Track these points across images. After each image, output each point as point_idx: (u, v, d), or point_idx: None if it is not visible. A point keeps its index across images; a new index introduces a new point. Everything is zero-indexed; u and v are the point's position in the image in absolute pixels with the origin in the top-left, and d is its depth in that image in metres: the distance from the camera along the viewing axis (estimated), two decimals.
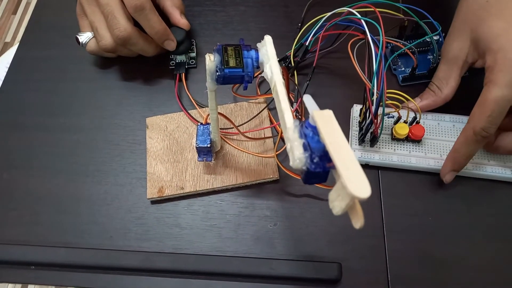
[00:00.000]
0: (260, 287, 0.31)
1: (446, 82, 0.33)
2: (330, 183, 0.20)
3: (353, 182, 0.18)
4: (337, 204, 0.19)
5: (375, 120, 0.30)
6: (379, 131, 0.31)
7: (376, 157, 0.33)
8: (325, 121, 0.20)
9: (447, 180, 0.32)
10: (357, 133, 0.34)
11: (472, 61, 0.32)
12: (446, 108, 0.35)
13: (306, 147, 0.21)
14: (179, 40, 0.38)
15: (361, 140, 0.33)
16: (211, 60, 0.26)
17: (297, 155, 0.20)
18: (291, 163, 0.21)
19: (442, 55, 0.34)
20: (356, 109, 0.35)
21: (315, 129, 0.20)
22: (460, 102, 0.36)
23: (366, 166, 0.34)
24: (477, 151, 0.31)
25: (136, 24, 0.36)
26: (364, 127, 0.32)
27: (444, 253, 0.31)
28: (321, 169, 0.20)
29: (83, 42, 0.38)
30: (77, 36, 0.38)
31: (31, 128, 0.38)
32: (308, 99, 0.22)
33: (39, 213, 0.34)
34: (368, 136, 0.33)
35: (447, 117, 0.35)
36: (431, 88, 0.34)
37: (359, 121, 0.34)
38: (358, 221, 0.18)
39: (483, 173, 0.32)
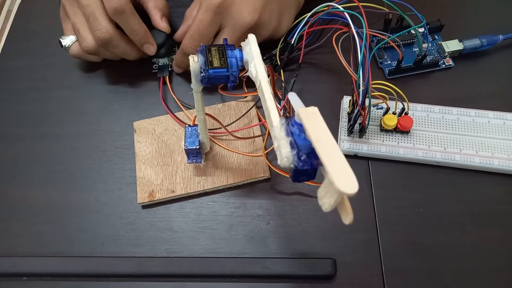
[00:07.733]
0: (256, 287, 0.30)
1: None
2: (319, 180, 0.20)
3: (340, 178, 0.17)
4: (326, 201, 0.19)
5: (363, 112, 0.30)
6: (366, 121, 0.31)
7: (364, 148, 0.33)
8: (310, 118, 0.20)
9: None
10: (347, 124, 0.34)
11: None
12: (435, 100, 0.35)
13: (293, 145, 0.20)
14: (159, 43, 0.38)
15: (350, 131, 0.34)
16: (194, 61, 0.25)
17: (284, 154, 0.20)
18: (279, 162, 0.21)
19: None
20: (346, 100, 0.35)
21: (301, 127, 0.20)
22: (449, 94, 0.36)
23: (355, 157, 0.34)
24: None
25: (118, 26, 0.36)
26: (352, 118, 0.32)
27: (436, 243, 0.31)
28: (309, 166, 0.20)
29: (66, 45, 0.37)
30: (60, 39, 0.37)
31: (15, 139, 0.37)
32: (293, 97, 0.22)
33: (28, 224, 0.34)
34: (357, 127, 0.33)
35: (436, 108, 0.35)
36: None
37: (348, 112, 0.34)
38: (347, 217, 0.18)
39: (470, 164, 0.33)
